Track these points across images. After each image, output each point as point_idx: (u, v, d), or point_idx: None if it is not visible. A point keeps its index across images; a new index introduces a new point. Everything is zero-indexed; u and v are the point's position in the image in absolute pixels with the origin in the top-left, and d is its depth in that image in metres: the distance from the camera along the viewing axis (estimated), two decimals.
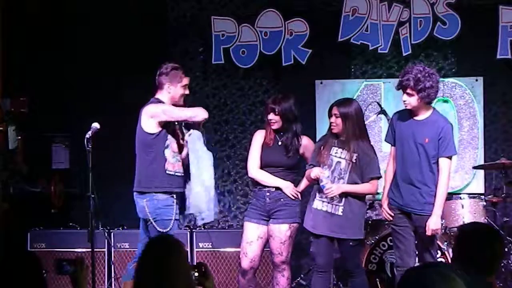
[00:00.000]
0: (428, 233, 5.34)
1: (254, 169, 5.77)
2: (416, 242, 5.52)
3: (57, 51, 7.92)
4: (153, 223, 5.41)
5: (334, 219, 5.46)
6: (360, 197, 5.53)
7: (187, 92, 5.68)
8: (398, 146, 5.54)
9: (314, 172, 5.48)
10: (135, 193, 5.55)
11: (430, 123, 5.43)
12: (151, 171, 5.47)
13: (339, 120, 5.47)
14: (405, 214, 5.49)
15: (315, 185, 5.61)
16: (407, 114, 5.53)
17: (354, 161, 5.46)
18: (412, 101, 5.37)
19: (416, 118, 5.47)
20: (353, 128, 5.46)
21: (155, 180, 5.45)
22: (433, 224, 5.34)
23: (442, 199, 5.39)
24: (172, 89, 5.59)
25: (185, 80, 5.65)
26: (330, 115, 5.55)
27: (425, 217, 5.37)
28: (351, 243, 5.48)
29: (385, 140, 5.72)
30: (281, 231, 5.65)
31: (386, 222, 5.85)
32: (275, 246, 5.67)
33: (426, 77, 5.33)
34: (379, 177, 5.54)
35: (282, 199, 5.67)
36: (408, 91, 5.36)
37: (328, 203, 5.48)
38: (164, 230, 5.37)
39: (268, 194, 5.70)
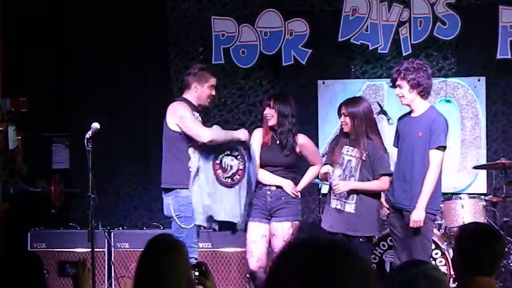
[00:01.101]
0: (411, 224, 5.28)
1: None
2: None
3: (57, 51, 7.93)
4: (176, 220, 5.42)
5: (346, 217, 5.50)
6: (373, 194, 5.55)
7: (213, 92, 5.68)
8: (399, 145, 5.55)
9: (323, 169, 5.53)
10: (162, 191, 5.58)
11: (424, 117, 5.43)
12: (174, 168, 5.48)
13: (347, 119, 5.52)
14: (398, 212, 5.49)
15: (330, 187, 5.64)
16: (407, 114, 5.57)
17: (364, 158, 5.49)
18: (404, 92, 5.41)
19: (412, 115, 5.50)
20: (361, 126, 5.50)
21: (178, 177, 5.46)
22: (415, 215, 5.27)
23: (427, 192, 5.31)
24: (199, 88, 5.60)
25: (212, 81, 5.66)
26: (339, 115, 5.59)
27: None
28: (360, 239, 5.50)
29: (394, 146, 5.71)
30: (284, 229, 5.65)
31: (386, 222, 5.85)
32: (278, 245, 5.66)
33: (414, 68, 5.38)
34: (390, 174, 5.56)
35: (283, 197, 5.67)
36: (398, 82, 5.40)
37: (338, 200, 5.52)
38: (187, 227, 5.39)
39: (269, 192, 5.70)
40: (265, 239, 5.72)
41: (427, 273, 2.21)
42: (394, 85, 5.49)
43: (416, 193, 5.34)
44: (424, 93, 5.43)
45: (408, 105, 5.49)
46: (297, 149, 5.74)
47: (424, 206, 5.30)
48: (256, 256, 5.70)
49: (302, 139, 5.77)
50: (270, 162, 5.72)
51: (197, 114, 5.62)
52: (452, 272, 5.90)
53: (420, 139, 5.37)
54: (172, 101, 5.67)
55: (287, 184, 5.67)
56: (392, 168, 5.64)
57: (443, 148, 5.38)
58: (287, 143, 5.68)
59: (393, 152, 5.64)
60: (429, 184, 5.32)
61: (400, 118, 5.66)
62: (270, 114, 5.70)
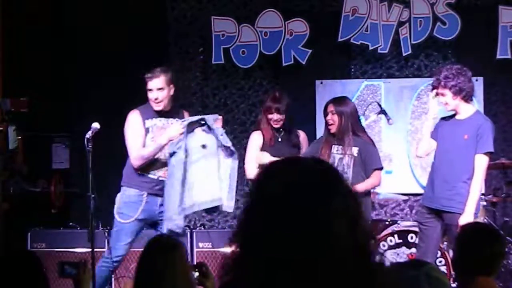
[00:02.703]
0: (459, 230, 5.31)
1: (254, 170, 5.79)
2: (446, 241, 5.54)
3: (57, 51, 7.92)
4: (115, 214, 5.68)
5: None
6: (365, 192, 5.56)
7: (153, 95, 5.73)
8: (439, 143, 5.55)
9: None
10: None
11: (470, 121, 5.44)
12: (127, 168, 5.79)
13: (335, 117, 5.58)
14: (434, 214, 5.48)
15: None
16: (451, 116, 5.58)
17: (356, 155, 5.52)
18: (448, 100, 5.41)
19: (457, 117, 5.50)
20: (349, 124, 5.58)
21: (126, 176, 5.77)
22: (465, 220, 5.24)
23: (476, 196, 5.34)
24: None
25: (149, 84, 5.77)
26: (326, 114, 5.64)
27: (455, 215, 5.33)
28: None
29: (431, 137, 5.71)
30: None
31: (388, 221, 5.88)
32: None
33: (454, 74, 5.37)
34: (381, 168, 5.59)
35: None
36: (440, 90, 5.40)
37: None
38: (122, 221, 5.62)
39: None
40: None
41: (429, 274, 2.21)
42: (436, 93, 5.49)
43: (456, 194, 5.35)
44: (467, 97, 5.44)
45: (453, 110, 5.49)
46: (300, 144, 5.91)
47: (473, 211, 5.33)
48: None
49: (303, 134, 5.99)
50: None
51: (154, 121, 5.72)
52: (452, 272, 5.90)
53: (466, 142, 5.37)
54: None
55: None
56: (385, 165, 5.70)
57: (490, 153, 5.42)
58: (293, 140, 5.87)
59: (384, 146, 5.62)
60: (477, 188, 5.35)
61: (443, 118, 5.65)
62: (280, 119, 5.82)
